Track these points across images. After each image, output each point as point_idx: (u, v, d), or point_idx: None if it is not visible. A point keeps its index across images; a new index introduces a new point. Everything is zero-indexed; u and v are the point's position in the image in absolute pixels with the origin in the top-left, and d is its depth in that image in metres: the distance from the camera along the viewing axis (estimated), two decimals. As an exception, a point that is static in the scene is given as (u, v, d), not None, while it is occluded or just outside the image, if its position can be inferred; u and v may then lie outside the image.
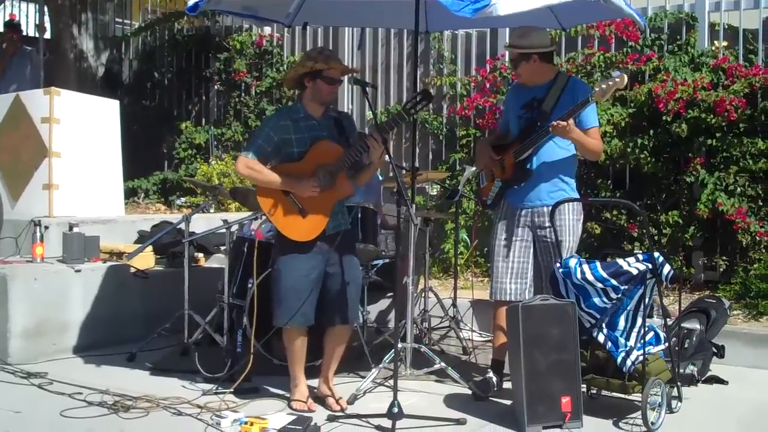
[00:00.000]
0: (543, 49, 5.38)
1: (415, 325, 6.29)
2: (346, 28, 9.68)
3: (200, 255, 7.41)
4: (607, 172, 7.94)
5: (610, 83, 5.08)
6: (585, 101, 5.26)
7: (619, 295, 4.82)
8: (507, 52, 5.61)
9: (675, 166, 7.60)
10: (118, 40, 11.97)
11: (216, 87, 11.00)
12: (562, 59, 8.32)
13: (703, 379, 5.66)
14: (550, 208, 5.19)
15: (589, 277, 4.85)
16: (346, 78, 5.55)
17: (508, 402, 5.07)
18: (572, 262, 4.96)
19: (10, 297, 6.11)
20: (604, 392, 5.06)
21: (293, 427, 4.52)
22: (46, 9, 11.70)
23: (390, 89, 9.62)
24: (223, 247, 6.20)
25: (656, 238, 7.53)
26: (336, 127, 5.10)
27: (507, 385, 5.22)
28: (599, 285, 4.84)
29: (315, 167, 4.95)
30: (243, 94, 10.61)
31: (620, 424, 4.79)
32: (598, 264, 4.91)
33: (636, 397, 4.80)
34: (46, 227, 6.91)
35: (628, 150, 7.53)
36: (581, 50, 8.25)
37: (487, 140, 5.77)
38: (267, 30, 10.50)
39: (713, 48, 7.74)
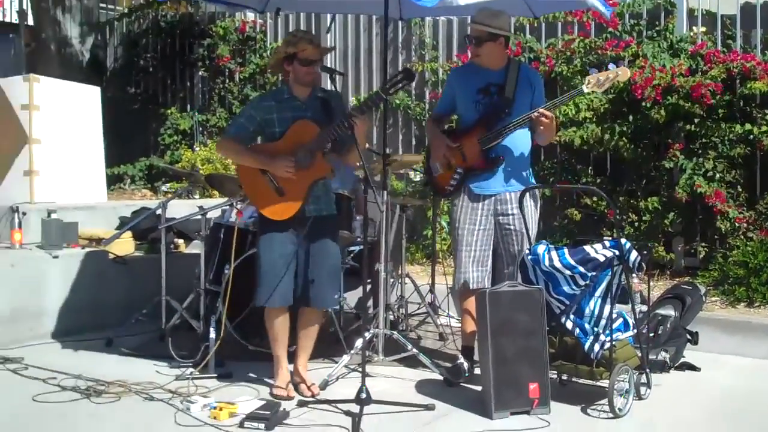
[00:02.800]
0: (509, 34, 5.37)
1: (391, 312, 6.31)
2: (329, 15, 9.64)
3: (180, 241, 7.42)
4: (588, 158, 7.96)
5: (610, 75, 5.00)
6: (579, 91, 5.24)
7: (587, 282, 4.82)
8: (471, 30, 5.42)
9: (654, 152, 7.63)
10: (103, 25, 11.93)
11: (200, 73, 10.99)
12: (542, 45, 8.33)
13: (675, 365, 5.67)
14: (517, 194, 5.21)
15: (557, 264, 4.86)
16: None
17: (479, 388, 5.08)
18: (540, 249, 4.97)
19: (-13, 283, 6.12)
20: (574, 378, 5.09)
21: (261, 412, 4.54)
22: (27, -5, 11.69)
23: (372, 75, 9.62)
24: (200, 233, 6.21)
25: (636, 224, 7.56)
26: (323, 108, 5.04)
27: (479, 371, 5.24)
28: (567, 272, 4.84)
29: (294, 146, 4.93)
30: (227, 81, 10.60)
31: (588, 411, 4.82)
32: (566, 251, 4.92)
33: (604, 383, 4.81)
34: (24, 213, 6.91)
35: (607, 136, 7.55)
36: (561, 36, 8.25)
37: (436, 128, 5.58)
38: (250, 16, 10.49)
39: (691, 34, 7.75)
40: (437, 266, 7.08)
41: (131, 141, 10.95)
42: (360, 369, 4.67)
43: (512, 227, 5.29)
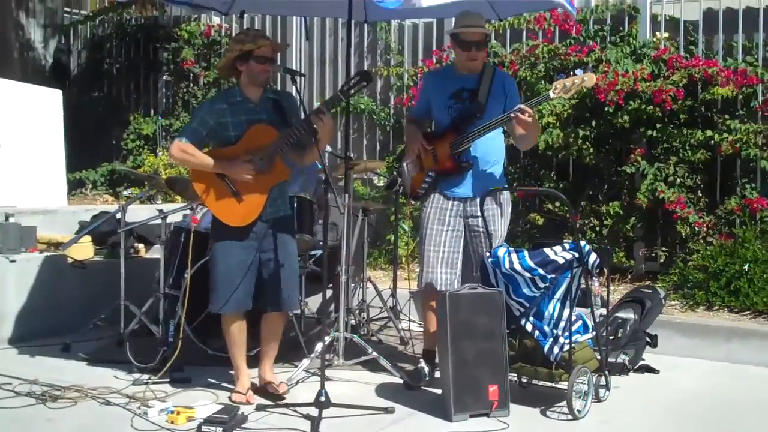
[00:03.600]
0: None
1: (352, 316, 6.29)
2: (295, 18, 9.62)
3: (140, 246, 7.35)
4: (551, 163, 7.99)
5: (576, 81, 5.01)
6: (545, 96, 5.24)
7: (547, 284, 4.84)
8: (468, 35, 5.31)
9: (616, 157, 7.68)
10: (66, 29, 11.78)
11: (164, 77, 10.90)
12: (507, 50, 8.35)
13: (634, 368, 5.71)
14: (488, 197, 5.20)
15: (517, 266, 4.87)
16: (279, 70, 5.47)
17: (440, 391, 5.07)
18: (501, 252, 4.98)
19: (-57, 287, 6.03)
20: (534, 381, 5.09)
21: (219, 416, 4.49)
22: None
23: (338, 79, 9.58)
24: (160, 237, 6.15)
25: (598, 229, 7.59)
26: (275, 109, 5.00)
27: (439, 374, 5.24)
28: (527, 274, 4.85)
29: (251, 150, 4.87)
30: (191, 85, 10.51)
31: (547, 413, 4.84)
32: (525, 253, 4.93)
33: (563, 385, 4.82)
34: (-20, 217, 6.82)
35: (570, 141, 7.58)
36: (525, 42, 8.28)
37: (416, 127, 5.55)
38: (215, 20, 10.42)
39: (654, 39, 7.81)
40: (399, 271, 7.05)
41: (94, 146, 10.81)
42: (320, 373, 4.65)
43: (481, 230, 5.27)
